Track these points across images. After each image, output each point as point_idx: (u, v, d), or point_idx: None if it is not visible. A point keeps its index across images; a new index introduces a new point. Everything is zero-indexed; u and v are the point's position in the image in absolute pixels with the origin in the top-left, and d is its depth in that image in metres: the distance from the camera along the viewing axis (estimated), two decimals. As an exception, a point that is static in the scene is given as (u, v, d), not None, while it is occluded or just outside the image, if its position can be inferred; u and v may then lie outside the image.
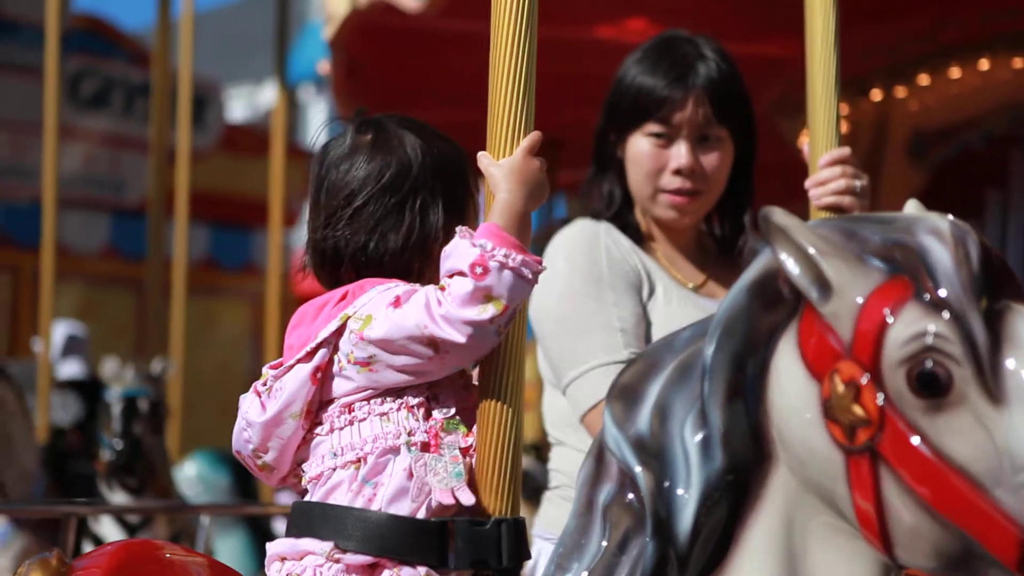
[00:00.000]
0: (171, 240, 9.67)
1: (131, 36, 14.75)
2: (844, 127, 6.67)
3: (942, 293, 1.63)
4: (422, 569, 2.02)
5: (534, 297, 2.85)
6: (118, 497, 6.55)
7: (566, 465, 2.88)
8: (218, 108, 15.04)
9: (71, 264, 12.46)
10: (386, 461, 2.06)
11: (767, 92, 6.77)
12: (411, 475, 2.04)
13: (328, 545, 2.04)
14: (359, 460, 2.07)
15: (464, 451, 2.08)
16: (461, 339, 2.01)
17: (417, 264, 2.19)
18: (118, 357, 6.95)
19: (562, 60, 6.14)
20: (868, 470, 1.66)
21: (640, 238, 2.94)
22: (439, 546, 2.02)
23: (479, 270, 2.00)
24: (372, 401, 2.10)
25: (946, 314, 1.62)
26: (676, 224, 2.94)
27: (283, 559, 2.10)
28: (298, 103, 23.86)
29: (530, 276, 2.03)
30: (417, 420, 2.08)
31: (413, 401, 2.09)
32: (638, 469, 1.78)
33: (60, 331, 8.72)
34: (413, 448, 2.06)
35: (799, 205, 2.80)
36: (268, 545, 2.14)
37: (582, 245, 2.84)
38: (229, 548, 7.64)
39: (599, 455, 1.85)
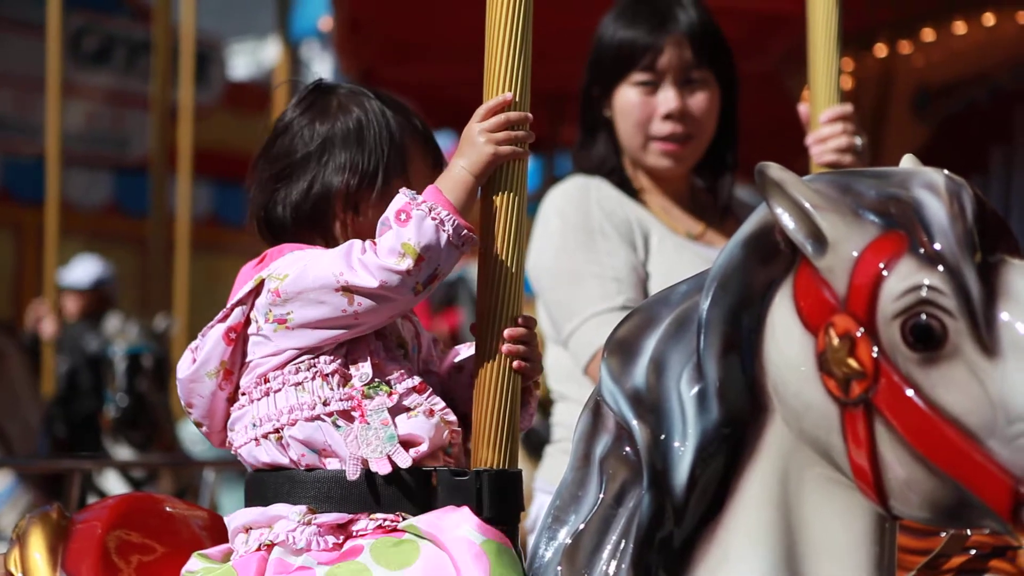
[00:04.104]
0: (175, 197, 9.68)
1: (133, -8, 14.68)
2: (848, 82, 6.66)
3: (937, 247, 1.63)
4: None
5: (531, 254, 2.87)
6: (123, 452, 6.60)
7: (568, 419, 2.89)
8: (221, 65, 15.01)
9: (75, 221, 12.47)
10: (314, 429, 2.04)
11: (775, 48, 6.75)
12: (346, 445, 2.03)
13: (301, 508, 2.02)
14: (277, 431, 2.06)
15: (392, 411, 2.04)
16: (373, 283, 1.98)
17: (309, 224, 2.17)
18: (122, 314, 6.98)
19: (564, 14, 6.11)
20: (863, 422, 1.66)
21: (633, 192, 2.95)
22: (422, 496, 2.02)
23: (403, 216, 1.99)
24: (286, 370, 2.08)
25: (940, 267, 1.62)
26: (669, 173, 2.94)
27: (248, 529, 2.07)
28: (301, 59, 23.75)
29: (452, 234, 1.99)
30: (332, 389, 2.06)
31: (328, 368, 2.07)
32: (635, 422, 1.79)
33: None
34: (339, 422, 2.04)
35: (804, 162, 2.80)
36: (228, 518, 2.13)
37: (574, 199, 2.85)
38: (234, 503, 7.68)
39: (596, 409, 1.86)
